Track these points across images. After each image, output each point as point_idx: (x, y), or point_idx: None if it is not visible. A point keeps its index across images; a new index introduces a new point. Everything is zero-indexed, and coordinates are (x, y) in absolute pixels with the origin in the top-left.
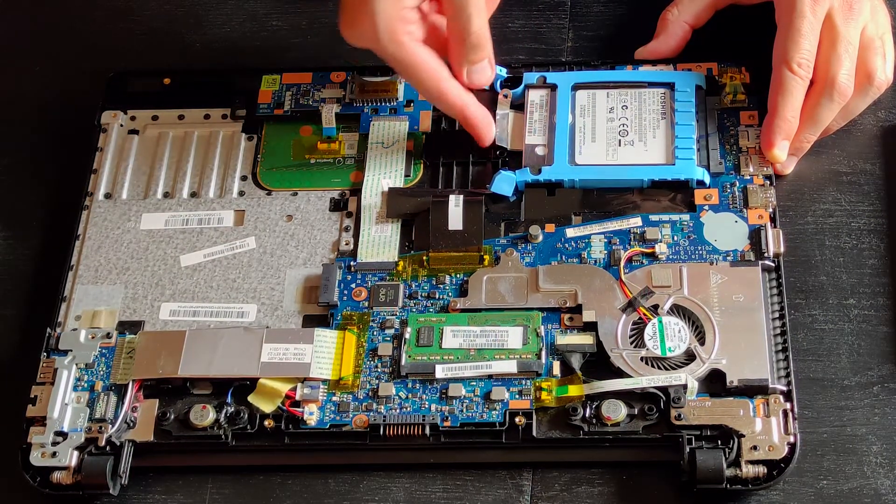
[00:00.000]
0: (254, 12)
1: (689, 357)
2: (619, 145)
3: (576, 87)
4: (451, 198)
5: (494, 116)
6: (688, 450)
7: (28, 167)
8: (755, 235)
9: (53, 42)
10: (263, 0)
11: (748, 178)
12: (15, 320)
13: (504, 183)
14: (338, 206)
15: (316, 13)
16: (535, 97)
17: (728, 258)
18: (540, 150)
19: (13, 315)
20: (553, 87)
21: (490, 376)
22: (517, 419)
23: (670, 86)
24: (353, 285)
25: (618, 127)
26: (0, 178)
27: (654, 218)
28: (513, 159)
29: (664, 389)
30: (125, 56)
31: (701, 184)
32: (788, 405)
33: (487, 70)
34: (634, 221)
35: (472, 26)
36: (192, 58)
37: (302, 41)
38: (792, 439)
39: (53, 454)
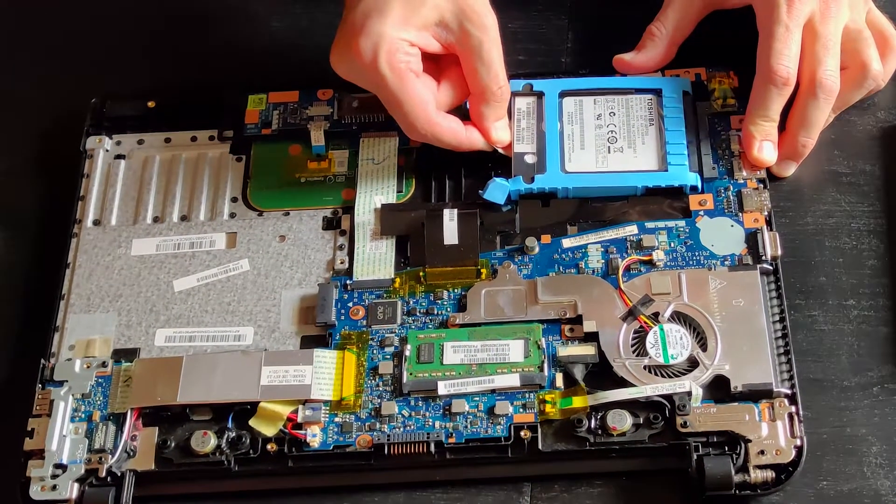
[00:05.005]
0: (254, 14)
1: (692, 364)
2: (609, 152)
3: (563, 95)
4: (446, 212)
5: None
6: (695, 457)
7: (15, 192)
8: (752, 239)
9: (46, 55)
10: (264, 3)
11: (742, 182)
12: (7, 351)
13: (497, 190)
14: (331, 224)
15: (314, 14)
16: (522, 105)
17: (726, 263)
18: (529, 158)
19: (5, 345)
20: (540, 95)
21: (493, 391)
22: (522, 433)
23: (657, 92)
24: (350, 304)
25: (606, 134)
26: None
27: (649, 225)
28: (504, 168)
29: (669, 397)
30: (119, 66)
31: (694, 189)
32: (793, 408)
33: (507, 128)
34: (630, 229)
35: (501, 80)
36: (188, 67)
37: (302, 43)
38: (798, 442)
39: (54, 487)
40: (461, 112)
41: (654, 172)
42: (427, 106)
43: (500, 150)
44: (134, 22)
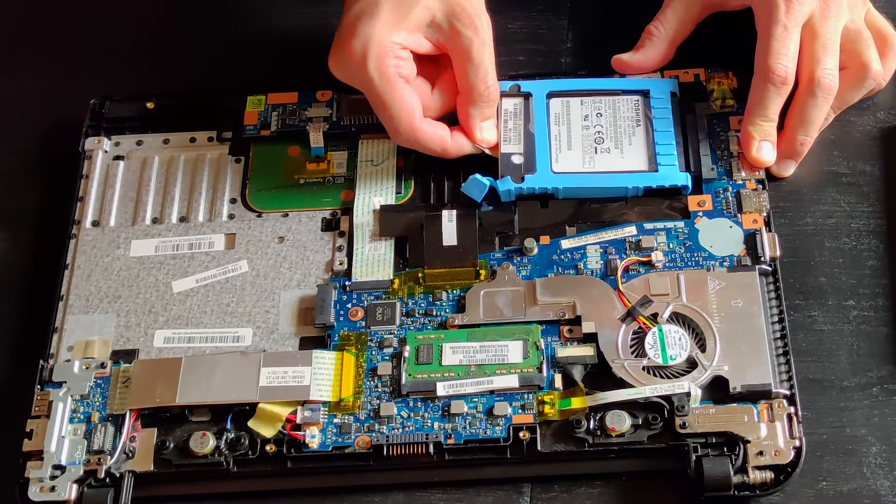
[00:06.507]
0: (253, 14)
1: (691, 365)
2: (596, 153)
3: (550, 96)
4: (444, 213)
5: None
6: (694, 458)
7: (14, 193)
8: (750, 240)
9: (45, 56)
10: (263, 3)
11: (741, 182)
12: (6, 351)
13: (474, 187)
14: (329, 225)
15: (314, 14)
16: (509, 105)
17: (724, 264)
18: (516, 159)
19: (4, 346)
20: (527, 96)
21: (492, 392)
22: (521, 434)
23: (644, 93)
24: (348, 305)
25: (593, 134)
26: None
27: (648, 226)
28: (493, 168)
29: (667, 398)
30: (119, 67)
31: (684, 189)
32: (792, 409)
33: (494, 129)
34: (629, 230)
35: (489, 80)
36: (187, 67)
37: (302, 43)
38: (797, 443)
39: (52, 488)
40: (453, 118)
41: (644, 173)
42: (412, 112)
43: (487, 152)
44: (134, 22)
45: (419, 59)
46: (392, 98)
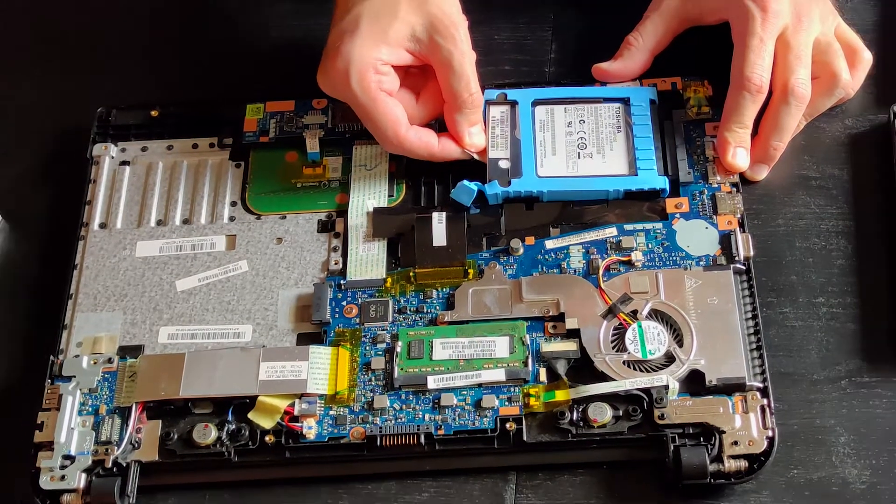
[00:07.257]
0: (253, 26)
1: (669, 359)
2: (579, 158)
3: (535, 103)
4: (435, 215)
5: None
6: (672, 448)
7: (26, 197)
8: (725, 240)
9: (55, 67)
10: (262, 14)
11: (716, 185)
12: (18, 347)
13: (463, 193)
14: (325, 227)
15: (310, 25)
16: (496, 113)
17: (701, 263)
18: (503, 164)
19: (16, 342)
20: (513, 104)
21: (480, 385)
22: (508, 425)
23: (625, 101)
24: (343, 303)
25: (576, 140)
26: None
27: (628, 227)
28: (480, 173)
29: (647, 391)
30: (123, 77)
31: (663, 192)
32: (765, 401)
33: (483, 133)
34: (610, 231)
35: (472, 87)
36: (190, 77)
37: (298, 53)
38: (770, 433)
39: (62, 477)
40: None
41: (625, 177)
42: (397, 123)
43: (476, 157)
44: (139, 34)
45: (405, 69)
46: (376, 112)
